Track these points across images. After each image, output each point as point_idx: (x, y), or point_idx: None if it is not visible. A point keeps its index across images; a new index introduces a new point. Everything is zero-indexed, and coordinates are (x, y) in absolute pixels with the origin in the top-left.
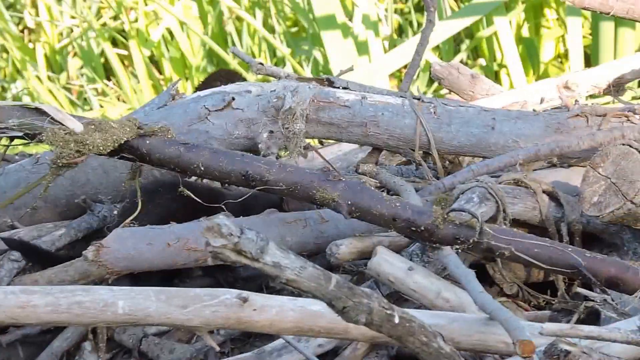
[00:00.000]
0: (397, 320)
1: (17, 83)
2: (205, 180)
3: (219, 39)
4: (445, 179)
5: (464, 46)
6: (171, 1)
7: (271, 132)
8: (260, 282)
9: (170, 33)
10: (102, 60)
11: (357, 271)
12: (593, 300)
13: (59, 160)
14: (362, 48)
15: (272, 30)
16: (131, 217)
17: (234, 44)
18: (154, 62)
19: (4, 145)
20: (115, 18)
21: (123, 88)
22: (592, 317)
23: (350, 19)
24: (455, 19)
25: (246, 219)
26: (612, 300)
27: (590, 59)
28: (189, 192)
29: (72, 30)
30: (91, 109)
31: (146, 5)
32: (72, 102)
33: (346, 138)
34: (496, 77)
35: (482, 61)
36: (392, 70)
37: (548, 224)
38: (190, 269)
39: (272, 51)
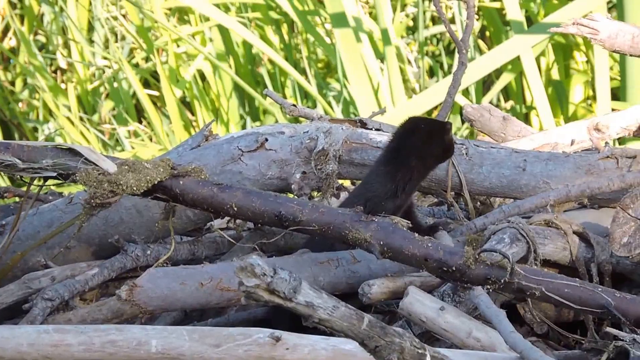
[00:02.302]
0: (428, 359)
1: (49, 124)
2: None
3: (251, 80)
4: (476, 220)
5: (493, 88)
6: (202, 42)
7: (304, 173)
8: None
9: (202, 75)
10: (134, 101)
11: (389, 311)
12: (622, 340)
13: (92, 201)
14: (392, 90)
15: (303, 71)
16: (165, 257)
17: (265, 86)
18: (186, 103)
19: (38, 186)
20: (147, 59)
21: (155, 129)
22: (622, 357)
23: (382, 61)
24: (484, 61)
25: (279, 259)
26: None
27: (619, 99)
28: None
29: (104, 72)
30: (123, 150)
31: (178, 47)
32: (104, 143)
33: None
34: (526, 119)
35: (512, 103)
36: (423, 112)
37: (578, 264)
38: None
39: (304, 92)
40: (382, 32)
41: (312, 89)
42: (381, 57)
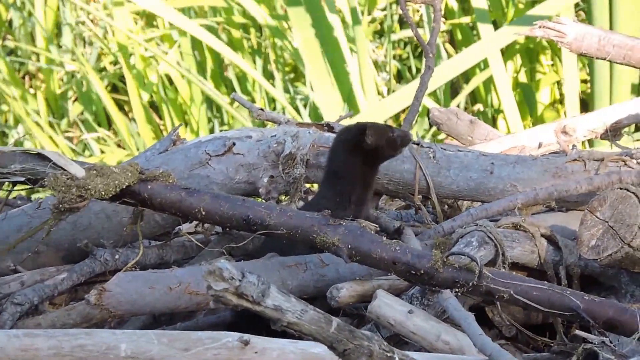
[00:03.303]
0: None
1: (19, 128)
2: None
3: (219, 83)
4: (444, 223)
5: (461, 92)
6: (171, 45)
7: (272, 176)
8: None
9: (170, 78)
10: (103, 105)
11: (358, 314)
12: (591, 343)
13: (61, 205)
14: (360, 93)
15: (271, 75)
16: (133, 261)
17: (234, 90)
18: (155, 107)
19: (7, 190)
20: (115, 63)
21: (120, 134)
22: (590, 359)
23: (347, 65)
24: (452, 65)
25: (247, 263)
26: (610, 342)
27: (588, 104)
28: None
29: (72, 76)
30: (91, 155)
31: (146, 50)
32: (72, 149)
33: None
34: (493, 122)
35: (479, 106)
36: (391, 115)
37: (546, 267)
38: None
39: (271, 96)
40: (354, 23)
41: (279, 94)
42: (346, 62)
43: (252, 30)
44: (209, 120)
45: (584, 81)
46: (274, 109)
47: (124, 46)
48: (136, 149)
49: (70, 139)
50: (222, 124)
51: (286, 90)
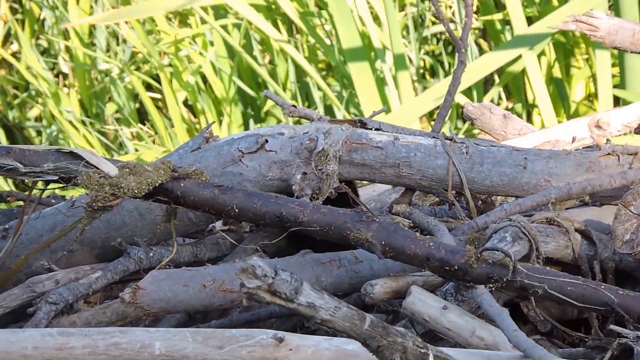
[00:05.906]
0: (431, 358)
1: (52, 127)
2: None
3: (252, 83)
4: (478, 219)
5: (495, 87)
6: (204, 46)
7: (304, 173)
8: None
9: (204, 77)
10: (137, 104)
11: (392, 310)
12: (626, 337)
13: (94, 204)
14: (394, 90)
15: (304, 72)
16: (167, 259)
17: (266, 88)
18: (188, 105)
19: (40, 189)
20: (149, 63)
21: (158, 131)
22: (626, 354)
23: (382, 61)
24: (486, 60)
25: (280, 260)
26: None
27: (620, 97)
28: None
29: (106, 75)
30: (126, 152)
31: (179, 50)
32: (107, 147)
33: (379, 179)
34: (528, 117)
35: (510, 102)
36: (425, 112)
37: (581, 262)
38: None
39: (304, 94)
40: (388, 19)
41: (327, 88)
42: (381, 58)
43: (284, 27)
44: (243, 115)
45: (618, 75)
46: (308, 106)
47: (147, 39)
48: (173, 146)
49: (104, 134)
50: (257, 121)
51: (319, 87)
